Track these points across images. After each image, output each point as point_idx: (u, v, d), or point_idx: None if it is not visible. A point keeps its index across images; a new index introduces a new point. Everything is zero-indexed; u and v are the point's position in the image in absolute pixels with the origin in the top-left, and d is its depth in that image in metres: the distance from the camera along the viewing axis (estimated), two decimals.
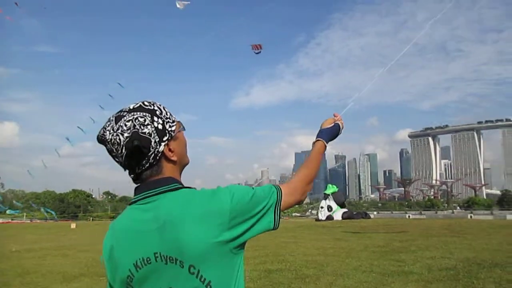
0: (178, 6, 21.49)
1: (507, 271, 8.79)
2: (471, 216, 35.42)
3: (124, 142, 1.30)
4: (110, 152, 1.36)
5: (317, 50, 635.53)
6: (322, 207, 40.80)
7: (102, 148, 1.34)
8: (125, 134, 1.30)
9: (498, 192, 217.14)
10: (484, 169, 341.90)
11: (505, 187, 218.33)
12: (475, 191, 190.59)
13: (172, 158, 1.38)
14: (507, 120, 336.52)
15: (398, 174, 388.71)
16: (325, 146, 1.71)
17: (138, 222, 1.30)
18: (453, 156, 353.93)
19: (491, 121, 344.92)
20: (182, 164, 1.45)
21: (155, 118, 1.35)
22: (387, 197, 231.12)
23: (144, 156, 1.32)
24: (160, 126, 1.34)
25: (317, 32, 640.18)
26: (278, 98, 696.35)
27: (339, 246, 14.39)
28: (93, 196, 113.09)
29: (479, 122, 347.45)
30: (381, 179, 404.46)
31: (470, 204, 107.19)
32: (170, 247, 1.24)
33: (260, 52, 27.42)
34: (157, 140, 1.33)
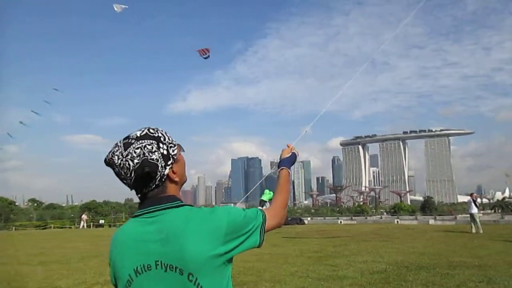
0: (116, 9, 20.77)
1: (432, 273, 9.34)
2: (397, 221, 37.35)
3: (134, 168, 1.47)
4: (118, 174, 1.54)
5: (254, 58, 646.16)
6: None
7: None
8: (135, 161, 1.47)
9: (421, 198, 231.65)
10: (408, 176, 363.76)
11: (427, 193, 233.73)
12: (400, 198, 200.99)
13: (175, 179, 1.58)
14: (429, 130, 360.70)
15: (331, 181, 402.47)
16: (289, 173, 2.02)
17: (142, 232, 1.49)
18: (381, 164, 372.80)
19: (415, 132, 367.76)
20: (181, 182, 1.65)
21: (161, 145, 1.53)
22: (320, 203, 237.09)
23: (152, 179, 1.51)
24: (165, 152, 1.53)
25: (255, 40, 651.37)
26: (215, 104, 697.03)
27: (276, 252, 14.51)
28: (17, 204, 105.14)
29: (405, 132, 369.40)
30: (314, 185, 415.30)
31: (396, 210, 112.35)
32: (171, 256, 1.42)
33: (208, 56, 26.99)
34: (163, 165, 1.51)
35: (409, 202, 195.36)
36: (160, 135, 1.56)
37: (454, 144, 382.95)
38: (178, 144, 1.63)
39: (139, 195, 1.57)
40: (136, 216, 1.56)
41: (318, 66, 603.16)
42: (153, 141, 1.52)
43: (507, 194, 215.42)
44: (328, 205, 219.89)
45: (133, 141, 1.51)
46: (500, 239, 17.68)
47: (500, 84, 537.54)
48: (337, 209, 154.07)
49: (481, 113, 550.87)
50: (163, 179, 1.54)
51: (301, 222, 40.27)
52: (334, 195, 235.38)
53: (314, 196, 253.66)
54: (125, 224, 1.60)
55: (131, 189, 1.57)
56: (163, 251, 1.44)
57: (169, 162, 1.54)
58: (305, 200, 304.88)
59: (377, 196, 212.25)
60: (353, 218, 48.45)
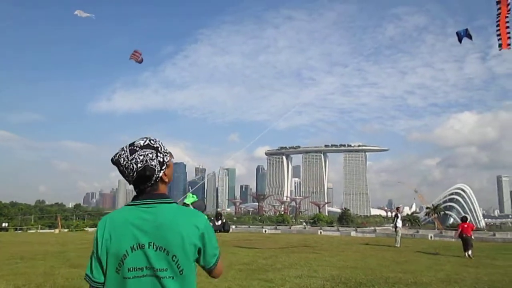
0: (78, 14, 19.54)
1: None
2: (321, 232, 37.79)
3: (137, 170, 1.96)
4: (122, 172, 2.03)
5: (185, 62, 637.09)
6: None
7: None
8: (139, 165, 1.95)
9: (338, 210, 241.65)
10: (327, 188, 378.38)
11: (344, 205, 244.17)
12: (319, 208, 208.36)
13: (165, 180, 2.08)
14: (348, 145, 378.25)
15: (254, 190, 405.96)
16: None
17: (140, 218, 1.93)
18: (303, 175, 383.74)
19: (336, 146, 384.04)
20: (169, 182, 2.13)
21: (159, 154, 2.02)
22: (242, 211, 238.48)
23: (150, 180, 1.99)
24: (161, 160, 2.02)
25: (186, 45, 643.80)
26: (141, 106, 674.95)
27: None
28: None
29: (326, 146, 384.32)
30: (238, 193, 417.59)
31: (315, 220, 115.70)
32: (161, 240, 1.87)
33: (142, 60, 25.52)
34: (158, 170, 2.00)
35: (327, 213, 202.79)
36: (158, 146, 2.05)
37: (370, 160, 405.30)
38: (169, 152, 2.12)
39: (137, 189, 2.03)
40: (132, 205, 1.99)
41: (247, 76, 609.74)
42: (153, 151, 2.00)
43: (413, 209, 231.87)
44: (250, 213, 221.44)
45: (137, 149, 1.99)
46: (423, 252, 18.16)
47: (412, 106, 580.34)
48: (259, 217, 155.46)
49: (395, 132, 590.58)
50: (157, 180, 2.02)
51: (224, 229, 39.19)
52: (257, 203, 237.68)
53: (237, 204, 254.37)
54: (121, 209, 2.02)
55: (130, 184, 2.04)
56: (155, 235, 1.88)
57: (163, 167, 2.03)
58: (228, 207, 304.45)
59: (297, 206, 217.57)
60: (278, 227, 48.52)
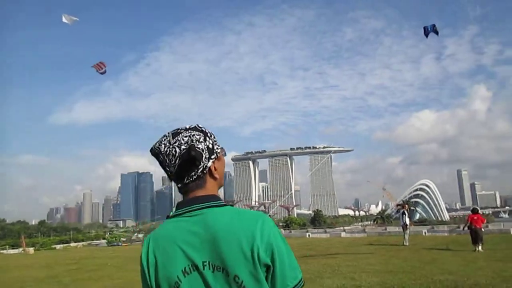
0: (65, 20, 18.12)
1: None
2: (309, 235, 36.97)
3: (180, 154, 1.57)
4: (162, 162, 1.62)
5: (147, 70, 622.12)
6: None
7: None
8: (182, 147, 1.57)
9: (307, 212, 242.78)
10: (295, 191, 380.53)
11: (312, 207, 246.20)
12: (288, 212, 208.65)
13: (216, 175, 1.65)
14: (313, 147, 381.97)
15: (222, 196, 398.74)
16: None
17: (187, 233, 1.50)
18: (270, 179, 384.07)
19: (301, 148, 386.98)
20: (220, 184, 1.69)
21: (207, 139, 1.63)
22: None
23: (195, 168, 1.58)
24: (210, 146, 1.62)
25: (147, 52, 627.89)
26: (104, 116, 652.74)
27: None
28: None
29: (291, 149, 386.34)
30: None
31: (288, 224, 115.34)
32: (218, 257, 1.44)
33: (105, 71, 24.22)
34: (207, 157, 1.60)
35: (295, 216, 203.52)
36: (207, 131, 1.67)
37: (336, 161, 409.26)
38: (222, 147, 1.73)
39: (179, 184, 1.63)
40: (175, 216, 1.57)
41: (211, 82, 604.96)
42: (201, 133, 1.63)
43: (380, 206, 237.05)
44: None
45: (181, 130, 1.63)
46: (436, 249, 17.68)
47: (373, 107, 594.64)
48: None
49: (358, 132, 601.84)
50: (205, 171, 1.60)
51: None
52: None
53: None
54: (164, 225, 1.60)
55: (171, 179, 1.65)
56: (210, 251, 1.46)
57: (212, 156, 1.62)
58: None
59: (266, 210, 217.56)
60: None
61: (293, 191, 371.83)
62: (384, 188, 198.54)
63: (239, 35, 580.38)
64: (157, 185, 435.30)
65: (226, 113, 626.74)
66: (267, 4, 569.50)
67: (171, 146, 1.58)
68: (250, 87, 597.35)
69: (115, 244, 39.57)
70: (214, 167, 1.64)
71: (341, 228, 54.83)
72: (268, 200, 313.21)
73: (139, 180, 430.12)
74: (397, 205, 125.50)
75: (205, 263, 1.45)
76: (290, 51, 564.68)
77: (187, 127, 1.65)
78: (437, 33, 18.56)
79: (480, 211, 19.79)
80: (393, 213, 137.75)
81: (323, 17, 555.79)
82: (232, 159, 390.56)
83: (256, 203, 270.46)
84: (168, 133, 1.64)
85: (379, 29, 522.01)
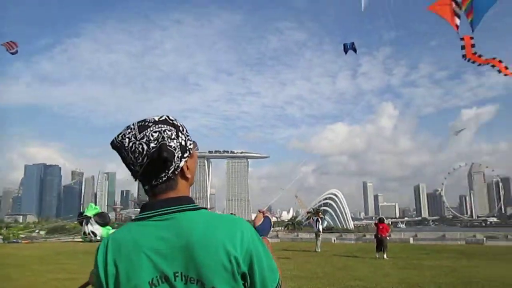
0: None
1: None
2: None
3: (149, 152, 1.33)
4: (124, 159, 1.38)
5: (63, 56, 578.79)
6: (87, 234, 34.62)
7: None
8: (151, 144, 1.33)
9: None
10: (210, 194, 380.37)
11: (226, 211, 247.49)
12: None
13: (188, 175, 1.43)
14: (231, 152, 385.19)
15: (135, 195, 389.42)
16: (268, 241, 1.74)
17: (155, 239, 1.29)
18: None
19: (219, 152, 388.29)
20: (191, 183, 1.47)
21: (180, 134, 1.40)
22: (123, 218, 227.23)
23: (166, 169, 1.36)
24: (183, 143, 1.40)
25: (65, 37, 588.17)
26: (10, 100, 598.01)
27: None
28: None
29: (210, 152, 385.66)
30: (118, 199, 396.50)
31: None
32: (192, 267, 1.25)
33: (16, 52, 22.67)
34: (179, 156, 1.38)
35: None
36: (179, 124, 1.44)
37: (252, 166, 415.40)
38: (194, 141, 1.50)
39: (146, 186, 1.41)
40: (142, 219, 1.35)
41: (132, 76, 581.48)
42: (173, 128, 1.40)
43: (291, 213, 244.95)
44: (131, 220, 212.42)
45: (150, 124, 1.39)
46: (347, 256, 18.70)
47: (291, 116, 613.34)
48: None
49: (275, 140, 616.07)
50: (176, 172, 1.39)
51: None
52: (138, 209, 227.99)
53: (118, 210, 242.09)
54: (127, 227, 1.37)
55: (136, 178, 1.42)
56: (182, 260, 1.26)
57: (185, 155, 1.41)
58: (109, 213, 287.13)
59: None
60: None
61: (208, 194, 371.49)
62: (296, 195, 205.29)
63: (165, 31, 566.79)
64: (66, 179, 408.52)
65: (147, 110, 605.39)
66: (196, 3, 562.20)
67: (137, 142, 1.34)
68: (173, 85, 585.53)
69: (14, 241, 36.37)
70: (187, 166, 1.42)
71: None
72: None
73: (46, 172, 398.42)
74: (308, 212, 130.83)
75: (176, 274, 1.26)
76: (216, 54, 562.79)
77: (156, 119, 1.41)
78: (355, 50, 19.88)
79: (386, 221, 21.36)
80: (303, 220, 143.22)
81: (249, 23, 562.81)
82: None
83: None
84: (133, 124, 1.40)
85: (301, 41, 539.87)
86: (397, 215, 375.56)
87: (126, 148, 1.36)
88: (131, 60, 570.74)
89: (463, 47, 13.61)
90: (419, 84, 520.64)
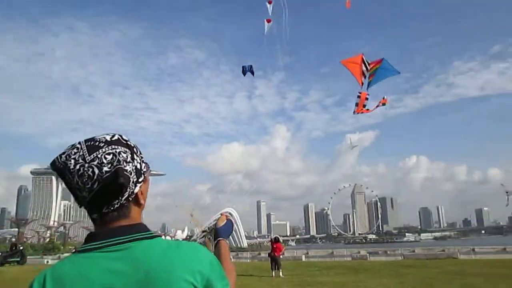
0: None
1: None
2: None
3: (101, 177, 1.19)
4: (69, 183, 1.23)
5: None
6: None
7: None
8: (105, 168, 1.19)
9: None
10: None
11: None
12: None
13: (141, 202, 1.31)
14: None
15: (14, 213, 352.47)
16: (227, 243, 1.78)
17: (107, 273, 1.14)
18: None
19: None
20: (143, 209, 1.35)
21: (135, 156, 1.28)
22: None
23: (118, 195, 1.23)
24: (138, 166, 1.28)
25: None
26: None
27: None
28: None
29: None
30: None
31: None
32: None
33: None
34: (134, 181, 1.25)
35: None
36: (133, 145, 1.31)
37: None
38: (147, 162, 1.36)
39: (94, 215, 1.26)
40: (89, 250, 1.18)
41: (16, 82, 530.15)
42: (128, 150, 1.26)
43: (186, 232, 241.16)
44: (7, 241, 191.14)
45: (101, 144, 1.23)
46: (243, 275, 18.97)
47: (188, 134, 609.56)
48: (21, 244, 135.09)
49: (172, 157, 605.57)
50: (130, 198, 1.26)
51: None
52: (17, 229, 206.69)
53: None
54: (70, 260, 1.19)
55: (83, 205, 1.26)
56: None
57: (140, 179, 1.29)
58: None
59: (67, 231, 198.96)
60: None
61: None
62: (191, 214, 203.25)
63: (56, 37, 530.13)
64: None
65: (30, 119, 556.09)
66: (92, 11, 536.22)
67: (86, 164, 1.19)
68: (62, 95, 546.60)
69: None
70: (141, 191, 1.30)
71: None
72: (70, 220, 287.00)
73: None
74: (203, 231, 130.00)
75: None
76: (112, 66, 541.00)
77: (108, 138, 1.25)
78: (253, 73, 20.99)
79: (281, 240, 22.11)
80: (198, 239, 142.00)
81: (149, 38, 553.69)
82: (32, 172, 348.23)
83: (55, 223, 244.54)
84: (80, 143, 1.23)
85: (200, 60, 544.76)
86: (288, 233, 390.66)
87: (72, 170, 1.20)
88: (16, 64, 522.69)
89: (356, 104, 16.13)
90: (309, 109, 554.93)
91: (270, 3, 25.56)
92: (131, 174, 1.23)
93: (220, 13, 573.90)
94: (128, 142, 1.29)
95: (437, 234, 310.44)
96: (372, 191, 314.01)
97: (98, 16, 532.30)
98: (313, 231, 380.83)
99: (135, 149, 1.29)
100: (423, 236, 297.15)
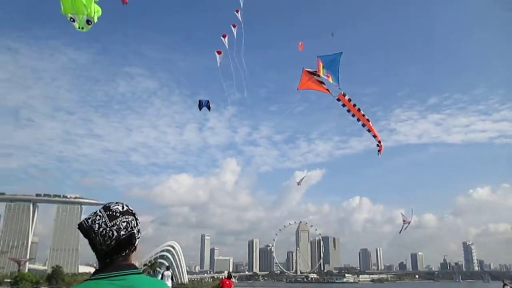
0: None
1: None
2: None
3: (119, 238, 1.86)
4: (92, 240, 1.89)
5: None
6: None
7: None
8: (122, 232, 1.87)
9: (41, 267, 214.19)
10: (32, 242, 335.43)
11: (50, 262, 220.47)
12: (19, 266, 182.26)
13: (135, 251, 2.02)
14: (63, 196, 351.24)
15: None
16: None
17: None
18: (3, 226, 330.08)
19: (49, 195, 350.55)
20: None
21: (138, 222, 1.99)
22: None
23: (128, 249, 1.93)
24: (139, 228, 2.00)
25: None
26: None
27: None
28: None
29: (38, 195, 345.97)
30: None
31: (17, 280, 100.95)
32: None
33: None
34: (137, 238, 1.97)
35: (27, 271, 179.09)
36: (134, 212, 2.02)
37: (87, 213, 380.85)
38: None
39: (107, 259, 1.90)
40: (99, 279, 1.82)
41: None
42: (134, 218, 1.96)
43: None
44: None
45: (118, 214, 1.92)
46: None
47: (134, 163, 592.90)
48: None
49: (115, 186, 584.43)
50: (132, 249, 1.97)
51: None
52: None
53: None
54: (89, 283, 1.82)
55: (101, 255, 1.91)
56: None
57: (139, 236, 1.99)
58: None
59: None
60: None
61: (29, 243, 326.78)
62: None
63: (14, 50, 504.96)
64: None
65: None
66: (35, 34, 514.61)
67: (107, 228, 1.85)
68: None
69: None
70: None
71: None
72: None
73: None
74: (144, 265, 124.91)
75: None
76: (56, 90, 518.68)
77: (121, 209, 1.93)
78: (209, 108, 21.53)
79: (223, 275, 22.19)
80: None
81: (98, 64, 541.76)
82: None
83: None
84: (101, 212, 1.93)
85: (151, 89, 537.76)
86: (231, 269, 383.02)
87: (96, 232, 1.86)
88: None
89: (348, 110, 15.86)
90: (259, 144, 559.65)
91: (224, 36, 26.74)
92: (136, 235, 1.93)
93: (171, 45, 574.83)
94: (133, 211, 2.00)
95: (375, 276, 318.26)
96: (316, 230, 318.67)
97: (39, 39, 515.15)
98: (256, 268, 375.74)
99: (136, 216, 1.99)
100: (362, 277, 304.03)
